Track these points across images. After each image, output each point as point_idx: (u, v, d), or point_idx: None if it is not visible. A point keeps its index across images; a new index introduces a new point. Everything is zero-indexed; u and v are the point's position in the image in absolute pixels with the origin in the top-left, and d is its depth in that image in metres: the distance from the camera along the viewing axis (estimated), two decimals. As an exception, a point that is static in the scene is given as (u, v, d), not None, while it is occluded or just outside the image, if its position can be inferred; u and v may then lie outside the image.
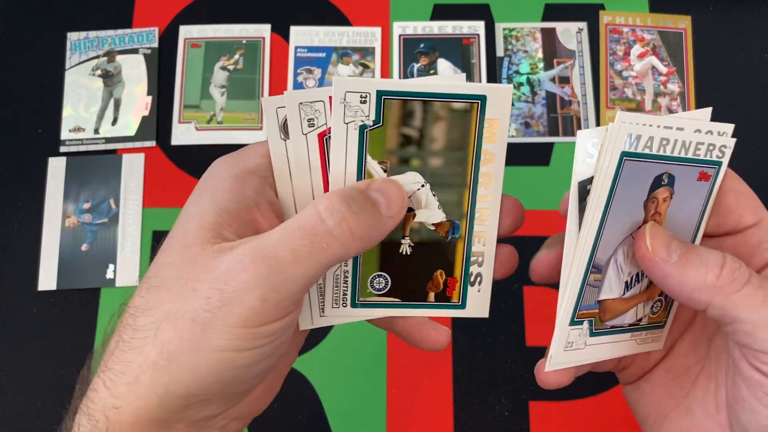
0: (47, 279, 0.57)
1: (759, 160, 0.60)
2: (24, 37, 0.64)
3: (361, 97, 0.27)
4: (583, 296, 0.29)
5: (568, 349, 0.29)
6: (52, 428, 0.53)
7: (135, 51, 0.63)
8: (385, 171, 0.29)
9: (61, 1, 0.65)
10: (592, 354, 0.30)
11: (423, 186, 0.29)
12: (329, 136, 0.28)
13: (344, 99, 0.27)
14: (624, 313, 0.30)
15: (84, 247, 0.58)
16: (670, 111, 0.61)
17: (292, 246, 0.24)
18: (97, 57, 0.63)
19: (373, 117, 0.28)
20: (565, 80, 0.62)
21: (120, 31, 0.63)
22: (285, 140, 0.28)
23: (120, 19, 0.64)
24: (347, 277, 0.30)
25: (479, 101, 0.28)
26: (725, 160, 0.29)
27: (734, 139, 0.28)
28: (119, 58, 0.63)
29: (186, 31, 0.64)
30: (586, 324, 0.29)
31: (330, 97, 0.27)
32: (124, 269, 0.57)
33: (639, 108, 0.61)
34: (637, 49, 0.63)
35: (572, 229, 0.28)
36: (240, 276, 0.24)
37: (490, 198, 0.30)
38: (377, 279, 0.30)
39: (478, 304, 0.31)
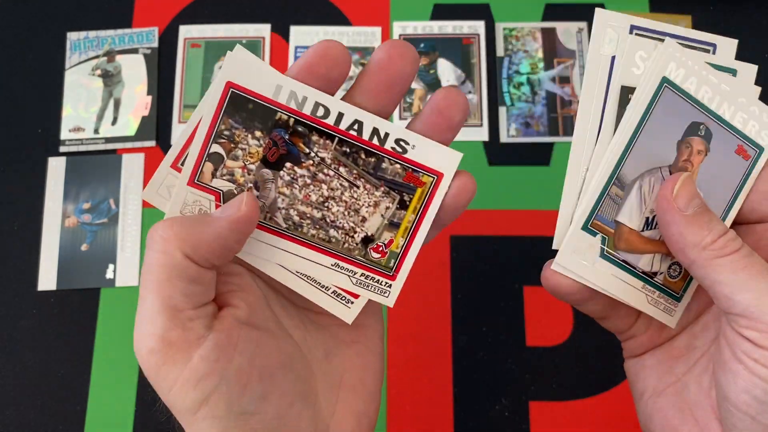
0: (47, 279, 0.57)
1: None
2: (24, 37, 0.64)
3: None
4: (602, 204, 0.29)
5: (576, 255, 0.29)
6: (51, 428, 0.53)
7: (135, 51, 0.63)
8: None
9: (61, 1, 0.65)
10: (598, 278, 0.29)
11: None
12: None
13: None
14: (639, 252, 0.30)
15: (84, 247, 0.58)
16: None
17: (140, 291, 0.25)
18: (97, 57, 0.63)
19: None
20: (565, 80, 0.62)
21: (120, 31, 0.63)
22: None
23: (120, 19, 0.64)
24: None
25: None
26: None
27: None
28: (119, 57, 0.63)
29: (186, 31, 0.64)
30: (599, 239, 0.29)
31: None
32: (124, 269, 0.57)
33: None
34: (637, 49, 0.63)
35: (607, 130, 0.29)
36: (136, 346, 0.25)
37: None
38: None
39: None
